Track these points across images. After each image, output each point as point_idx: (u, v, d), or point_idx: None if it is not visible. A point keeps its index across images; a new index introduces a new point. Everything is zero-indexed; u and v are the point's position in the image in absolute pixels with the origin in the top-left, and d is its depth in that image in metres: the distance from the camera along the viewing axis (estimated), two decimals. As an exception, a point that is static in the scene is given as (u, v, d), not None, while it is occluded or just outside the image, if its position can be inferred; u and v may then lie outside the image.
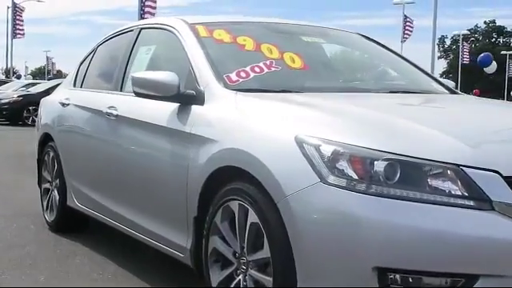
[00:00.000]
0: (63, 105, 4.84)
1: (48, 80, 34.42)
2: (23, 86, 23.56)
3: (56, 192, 4.94)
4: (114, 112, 3.86)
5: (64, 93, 5.03)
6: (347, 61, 4.04)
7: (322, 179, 2.34)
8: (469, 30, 72.34)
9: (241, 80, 3.22)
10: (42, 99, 5.72)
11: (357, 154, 2.33)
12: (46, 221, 5.12)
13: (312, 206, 2.35)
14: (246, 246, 2.68)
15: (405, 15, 39.16)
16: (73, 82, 5.05)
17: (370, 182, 2.28)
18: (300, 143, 2.45)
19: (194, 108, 3.16)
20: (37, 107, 18.64)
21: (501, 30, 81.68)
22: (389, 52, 4.11)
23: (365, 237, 2.25)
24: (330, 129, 2.50)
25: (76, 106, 4.62)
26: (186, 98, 3.22)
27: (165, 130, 3.29)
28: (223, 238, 2.82)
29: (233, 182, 2.75)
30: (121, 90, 4.04)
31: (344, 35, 4.21)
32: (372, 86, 3.70)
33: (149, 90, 3.27)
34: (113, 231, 4.21)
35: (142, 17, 32.62)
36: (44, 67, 74.03)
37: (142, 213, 3.52)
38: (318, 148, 2.40)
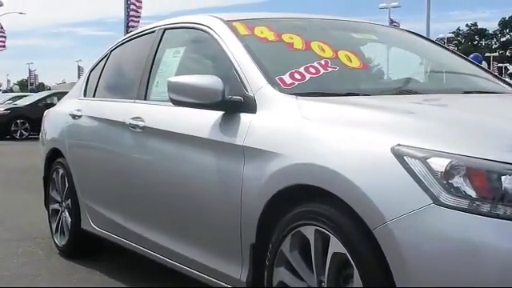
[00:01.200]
0: (74, 117, 4.37)
1: (30, 92, 33.76)
2: (10, 99, 22.96)
3: (67, 213, 4.47)
4: (140, 123, 3.41)
5: (73, 103, 4.56)
6: (406, 59, 3.61)
7: (435, 200, 1.90)
8: (452, 33, 72.84)
9: (296, 83, 2.78)
10: (47, 111, 5.24)
11: (478, 168, 1.90)
12: (56, 245, 4.64)
13: (422, 232, 1.91)
14: (325, 279, 2.23)
15: (391, 19, 38.97)
16: (83, 92, 4.58)
17: (497, 202, 1.85)
18: (400, 156, 2.01)
19: (244, 116, 2.72)
20: (24, 120, 18.12)
21: (482, 33, 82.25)
22: (442, 49, 3.71)
23: (492, 271, 1.82)
24: (434, 137, 2.05)
25: (90, 117, 4.15)
26: (232, 105, 2.77)
27: (208, 143, 2.84)
28: (293, 270, 2.37)
29: (306, 203, 2.31)
30: (145, 99, 3.59)
31: (394, 31, 3.79)
32: (443, 86, 3.26)
33: (189, 97, 2.82)
34: (132, 254, 3.76)
35: (128, 26, 32.21)
36: (26, 80, 73.15)
37: (182, 239, 3.06)
38: (425, 161, 1.96)
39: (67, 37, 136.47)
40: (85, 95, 4.55)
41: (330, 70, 2.90)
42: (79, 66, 75.39)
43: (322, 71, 2.88)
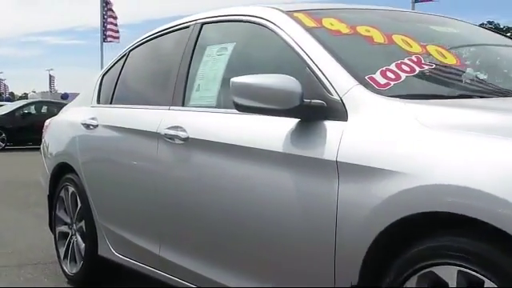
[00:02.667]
0: (88, 127, 3.81)
1: (6, 101, 32.82)
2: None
3: (79, 237, 3.90)
4: (181, 134, 2.87)
5: (85, 112, 3.99)
6: (493, 55, 3.12)
7: None
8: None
9: (392, 83, 2.27)
10: (49, 121, 4.66)
11: None
12: (65, 273, 4.06)
13: None
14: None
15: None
16: (96, 98, 4.02)
17: None
18: None
19: (331, 124, 2.20)
20: (1, 131, 17.27)
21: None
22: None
23: None
24: None
25: (109, 127, 3.59)
26: (312, 110, 2.25)
27: (284, 159, 2.31)
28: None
29: (438, 236, 1.80)
30: (183, 105, 3.05)
31: (466, 25, 3.30)
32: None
33: (259, 101, 2.29)
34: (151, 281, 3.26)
35: (104, 34, 31.51)
36: (-3, 89, 71.77)
37: (247, 276, 2.51)
38: None
39: (37, 46, 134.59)
40: (98, 102, 3.99)
41: (425, 67, 2.40)
42: (51, 75, 74.24)
43: (418, 69, 2.38)
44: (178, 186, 2.91)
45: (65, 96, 31.50)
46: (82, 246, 3.85)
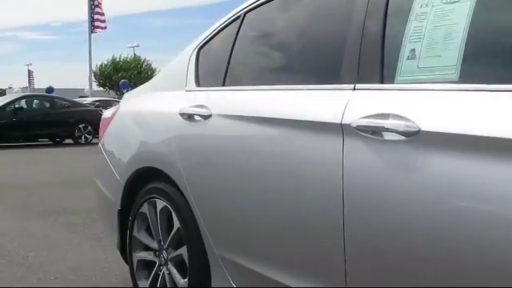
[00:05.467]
0: (191, 118, 2.75)
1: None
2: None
3: (175, 270, 2.85)
4: (402, 126, 1.83)
5: (179, 98, 2.93)
6: None
7: None
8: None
9: None
10: (110, 113, 3.59)
11: None
12: (151, 315, 3.01)
13: None
14: None
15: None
16: (193, 79, 2.95)
17: None
18: None
19: None
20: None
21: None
22: None
23: None
24: None
25: (235, 117, 2.52)
26: None
27: None
28: None
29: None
30: (382, 81, 2.01)
31: None
32: None
33: None
34: None
35: (92, 24, 30.23)
36: (-25, 85, 69.67)
37: None
38: None
39: (13, 41, 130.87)
40: (198, 84, 2.93)
41: None
42: (29, 70, 72.26)
43: None
44: (390, 202, 1.87)
45: (50, 90, 30.10)
46: (182, 281, 2.80)
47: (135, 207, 3.09)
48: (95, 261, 4.47)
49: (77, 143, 18.32)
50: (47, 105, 18.85)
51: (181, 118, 2.80)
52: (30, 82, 69.46)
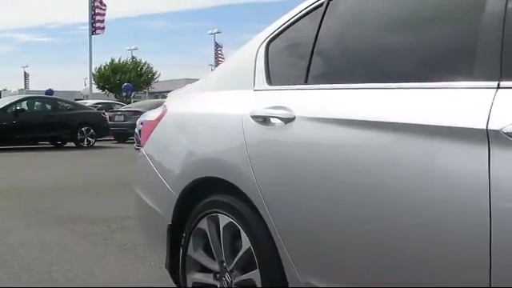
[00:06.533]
0: (266, 121, 2.36)
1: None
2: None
3: (243, 297, 2.46)
4: None
5: (248, 98, 2.55)
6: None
7: None
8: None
9: None
10: (149, 119, 3.19)
11: None
12: None
13: None
14: None
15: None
16: (264, 77, 2.57)
17: None
18: None
19: None
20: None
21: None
22: None
23: None
24: None
25: (329, 121, 2.14)
26: None
27: None
28: None
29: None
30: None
31: None
32: None
33: None
34: None
35: (93, 25, 29.87)
36: (-30, 87, 69.13)
37: None
38: None
39: (8, 43, 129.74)
40: (270, 83, 2.54)
41: None
42: (25, 72, 71.67)
43: None
44: None
45: (49, 92, 29.73)
46: (251, 311, 2.41)
47: (191, 223, 2.70)
48: (125, 276, 4.09)
49: (79, 146, 17.89)
50: (49, 107, 18.42)
51: (253, 122, 2.41)
52: (26, 84, 68.94)
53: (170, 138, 2.98)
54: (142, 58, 54.15)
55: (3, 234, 5.46)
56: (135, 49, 56.18)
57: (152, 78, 51.98)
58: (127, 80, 43.60)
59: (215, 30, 54.08)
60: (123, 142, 20.26)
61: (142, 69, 51.33)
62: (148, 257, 4.52)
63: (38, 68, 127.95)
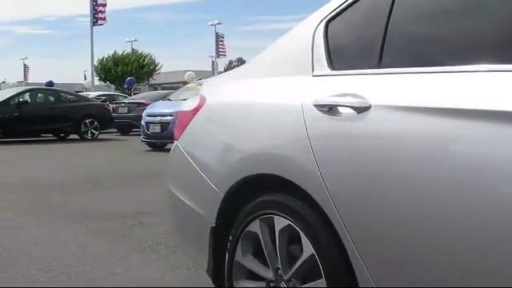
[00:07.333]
0: (333, 110, 2.07)
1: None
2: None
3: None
4: None
5: (306, 85, 2.26)
6: None
7: None
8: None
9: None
10: (187, 110, 2.89)
11: None
12: None
13: None
14: None
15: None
16: (324, 60, 2.27)
17: None
18: None
19: None
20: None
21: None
22: None
23: None
24: None
25: (422, 110, 1.82)
26: None
27: None
28: None
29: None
30: None
31: None
32: None
33: None
34: None
35: (95, 16, 29.50)
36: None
37: None
38: None
39: (4, 36, 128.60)
40: (332, 67, 2.24)
41: None
42: (25, 65, 71.22)
43: None
44: None
45: (50, 84, 29.38)
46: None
47: (239, 225, 2.41)
48: (151, 278, 3.82)
49: (83, 139, 17.60)
50: (52, 99, 18.11)
51: (317, 111, 2.12)
52: (25, 77, 68.56)
53: (212, 131, 2.69)
54: (142, 50, 53.78)
55: (15, 231, 5.18)
56: (135, 40, 55.85)
57: (154, 70, 51.60)
58: (129, 71, 43.24)
59: (216, 21, 53.70)
60: (127, 134, 19.98)
61: (143, 60, 50.92)
62: (171, 256, 4.26)
63: (36, 60, 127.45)
